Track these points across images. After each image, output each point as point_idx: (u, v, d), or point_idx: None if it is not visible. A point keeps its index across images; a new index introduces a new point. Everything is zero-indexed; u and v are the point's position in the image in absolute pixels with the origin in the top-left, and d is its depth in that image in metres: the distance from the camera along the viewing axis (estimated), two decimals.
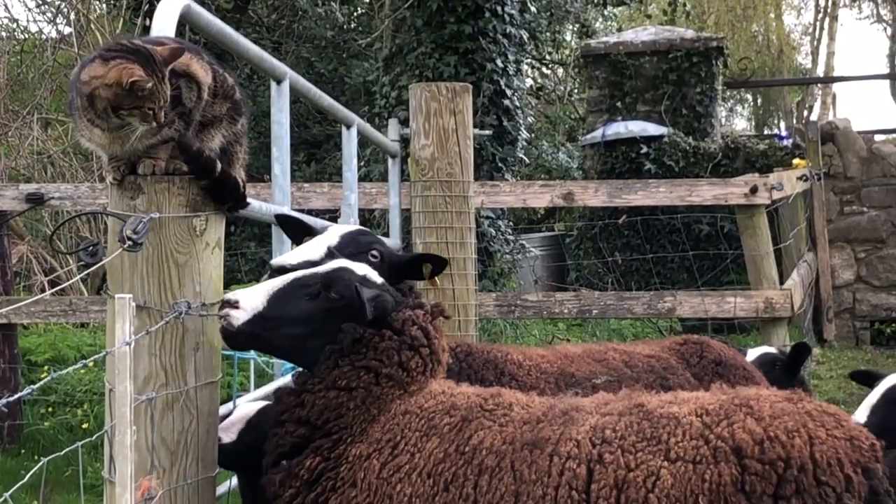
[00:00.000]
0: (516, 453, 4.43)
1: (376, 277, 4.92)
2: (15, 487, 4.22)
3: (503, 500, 4.35)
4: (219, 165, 4.79)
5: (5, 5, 39.08)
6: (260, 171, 6.30)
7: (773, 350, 8.20)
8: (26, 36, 23.61)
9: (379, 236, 5.98)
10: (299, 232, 5.21)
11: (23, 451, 12.27)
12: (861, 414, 5.79)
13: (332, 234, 5.73)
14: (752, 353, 7.55)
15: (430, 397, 4.78)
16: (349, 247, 5.60)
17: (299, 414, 4.69)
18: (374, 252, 5.65)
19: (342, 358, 4.68)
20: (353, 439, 4.66)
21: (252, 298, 4.58)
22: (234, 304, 4.56)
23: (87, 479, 10.03)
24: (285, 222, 5.17)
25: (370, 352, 4.71)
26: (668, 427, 4.32)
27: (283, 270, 5.28)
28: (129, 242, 4.53)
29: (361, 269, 4.92)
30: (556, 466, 4.33)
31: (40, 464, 4.19)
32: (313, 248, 5.58)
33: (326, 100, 7.96)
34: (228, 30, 6.01)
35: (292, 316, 4.65)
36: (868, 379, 6.01)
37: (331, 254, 5.52)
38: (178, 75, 4.68)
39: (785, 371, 7.54)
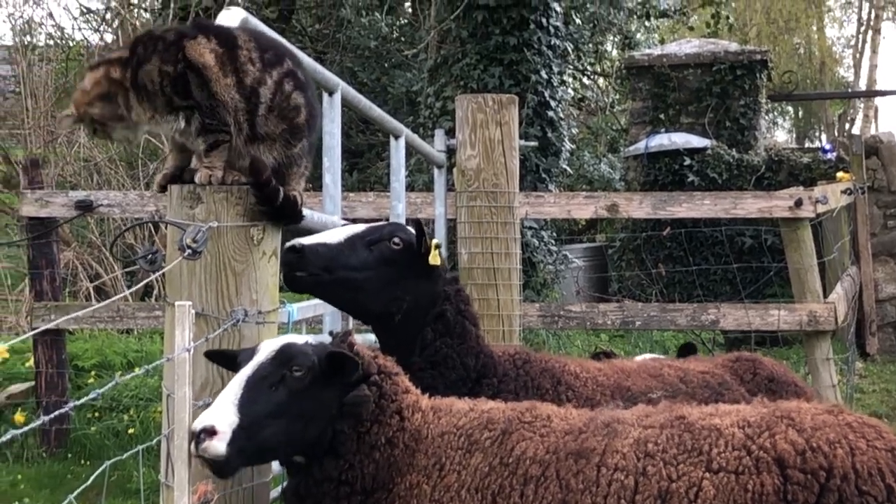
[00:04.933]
0: (561, 462, 4.48)
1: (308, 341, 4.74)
2: (76, 492, 4.27)
3: None
4: (280, 194, 4.81)
5: (51, 14, 39.15)
6: (309, 179, 6.31)
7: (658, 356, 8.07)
8: (72, 44, 23.68)
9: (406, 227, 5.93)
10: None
11: (69, 455, 12.30)
12: None
13: (361, 226, 5.74)
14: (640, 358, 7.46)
15: (461, 415, 4.80)
16: (369, 234, 5.62)
17: (350, 491, 4.62)
18: (396, 240, 5.62)
19: (365, 426, 4.62)
20: (401, 475, 4.64)
21: (223, 417, 4.32)
22: (210, 433, 4.27)
23: (133, 483, 10.12)
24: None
25: (383, 410, 4.68)
26: (709, 438, 4.37)
27: (294, 250, 5.40)
28: (189, 251, 4.57)
29: (303, 339, 4.76)
30: (604, 477, 4.39)
31: (102, 467, 4.27)
32: (334, 234, 5.62)
33: (376, 111, 7.99)
34: (283, 41, 6.07)
35: (267, 412, 4.44)
36: None
37: (351, 239, 5.55)
38: (189, 67, 4.77)
39: None
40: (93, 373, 13.97)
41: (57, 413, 9.95)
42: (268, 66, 4.90)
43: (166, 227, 4.90)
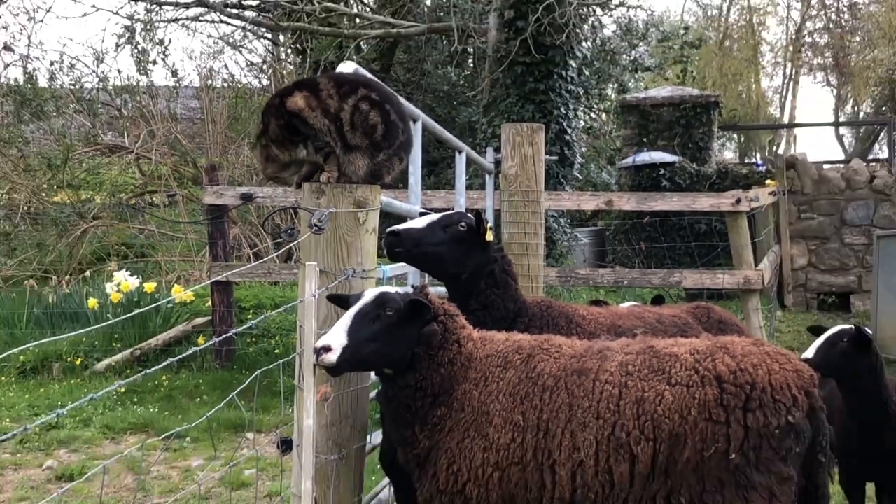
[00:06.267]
0: (568, 377, 4.49)
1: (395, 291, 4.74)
2: (235, 393, 4.31)
3: (560, 409, 4.41)
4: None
5: (226, 66, 39.47)
6: (400, 180, 6.46)
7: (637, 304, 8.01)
8: (239, 86, 23.83)
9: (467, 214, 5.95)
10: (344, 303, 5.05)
11: (234, 367, 12.41)
12: (810, 352, 5.79)
13: (437, 215, 5.72)
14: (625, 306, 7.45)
15: (500, 343, 4.78)
16: (444, 220, 5.59)
17: (423, 395, 4.63)
18: (463, 224, 5.60)
19: (434, 350, 4.63)
20: (458, 385, 4.65)
21: (337, 339, 4.38)
22: (327, 349, 4.35)
23: (277, 387, 10.20)
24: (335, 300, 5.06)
25: (447, 340, 4.67)
26: (670, 362, 4.39)
27: (394, 234, 5.41)
28: (315, 228, 4.66)
29: (394, 289, 4.77)
30: (597, 388, 4.40)
31: (254, 374, 4.33)
32: (421, 221, 5.60)
33: (446, 134, 7.96)
34: (383, 85, 6.08)
35: (366, 337, 4.46)
36: (818, 330, 6.00)
37: (432, 224, 5.57)
38: (290, 115, 4.92)
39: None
40: (251, 312, 14.12)
41: (224, 336, 10.04)
42: (344, 97, 4.94)
43: (300, 212, 4.93)
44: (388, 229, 5.48)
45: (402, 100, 6.11)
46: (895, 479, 6.18)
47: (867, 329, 5.91)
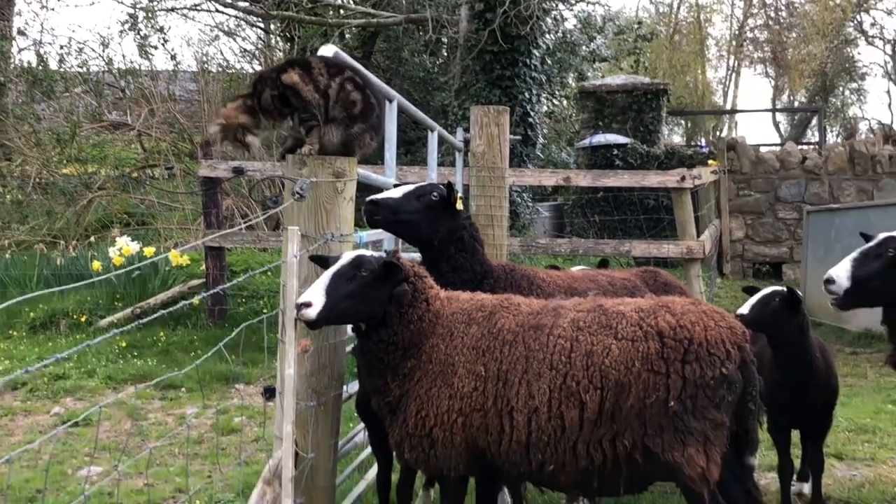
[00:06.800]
0: (525, 332, 4.52)
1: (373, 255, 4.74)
2: (222, 343, 4.31)
3: (518, 361, 4.45)
4: None
5: (221, 52, 39.18)
6: (378, 157, 6.45)
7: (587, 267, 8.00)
8: (232, 71, 23.75)
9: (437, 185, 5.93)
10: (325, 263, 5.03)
11: (226, 325, 12.39)
12: (744, 308, 5.80)
13: (412, 185, 5.71)
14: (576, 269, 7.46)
15: (465, 302, 4.79)
16: (419, 191, 5.57)
17: (395, 348, 4.63)
18: (435, 194, 5.57)
19: (405, 308, 4.62)
20: (426, 339, 4.65)
21: (316, 296, 4.37)
22: (307, 305, 4.34)
23: (262, 342, 10.21)
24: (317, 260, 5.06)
25: (416, 299, 4.67)
26: (616, 318, 4.42)
27: (373, 203, 5.40)
28: (297, 196, 4.66)
29: (369, 252, 4.76)
30: (551, 342, 4.43)
31: (239, 328, 4.33)
32: (397, 192, 5.58)
33: (419, 114, 7.93)
34: (362, 69, 6.06)
35: (343, 295, 4.45)
36: (752, 290, 6.01)
37: (407, 194, 5.55)
38: (286, 87, 4.90)
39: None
40: (241, 275, 14.06)
41: (212, 292, 9.94)
42: (332, 76, 4.95)
43: (285, 181, 4.92)
44: (367, 198, 5.47)
45: (377, 80, 6.10)
46: (818, 427, 6.25)
47: (798, 291, 5.95)
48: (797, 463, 6.53)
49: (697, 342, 4.25)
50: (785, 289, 5.90)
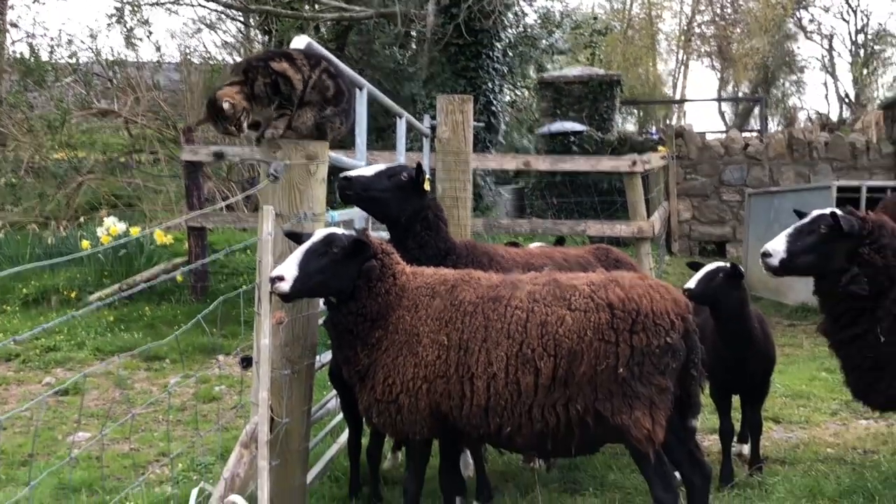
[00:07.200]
0: (485, 304, 4.53)
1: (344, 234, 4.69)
2: (199, 316, 4.29)
3: (478, 331, 4.47)
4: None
5: (204, 44, 38.83)
6: (350, 143, 6.43)
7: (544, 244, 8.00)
8: (214, 61, 23.61)
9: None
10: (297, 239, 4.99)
11: (207, 300, 12.28)
12: (691, 282, 5.82)
13: (384, 165, 5.67)
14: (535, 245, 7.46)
15: (429, 277, 4.79)
16: (390, 171, 5.53)
17: (363, 320, 4.62)
18: (405, 174, 5.52)
19: (373, 282, 4.61)
20: (393, 311, 4.64)
21: (289, 270, 4.35)
22: (281, 279, 4.33)
23: (239, 315, 10.17)
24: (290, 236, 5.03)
25: (383, 273, 4.66)
26: (570, 291, 4.44)
27: (347, 179, 5.36)
28: (272, 177, 4.66)
29: (340, 231, 4.72)
30: (509, 313, 4.45)
31: (216, 301, 4.29)
32: (370, 170, 5.54)
33: (387, 101, 7.91)
34: (334, 58, 6.01)
35: (315, 270, 4.43)
36: (697, 266, 6.02)
37: (379, 173, 5.50)
38: (277, 75, 4.81)
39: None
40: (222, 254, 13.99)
41: (191, 266, 9.87)
42: (312, 67, 4.91)
43: (261, 163, 4.88)
44: (341, 174, 5.43)
45: (349, 70, 6.06)
46: (756, 393, 6.30)
47: (740, 267, 5.98)
48: (737, 426, 6.57)
49: (644, 313, 4.27)
50: (728, 265, 5.93)
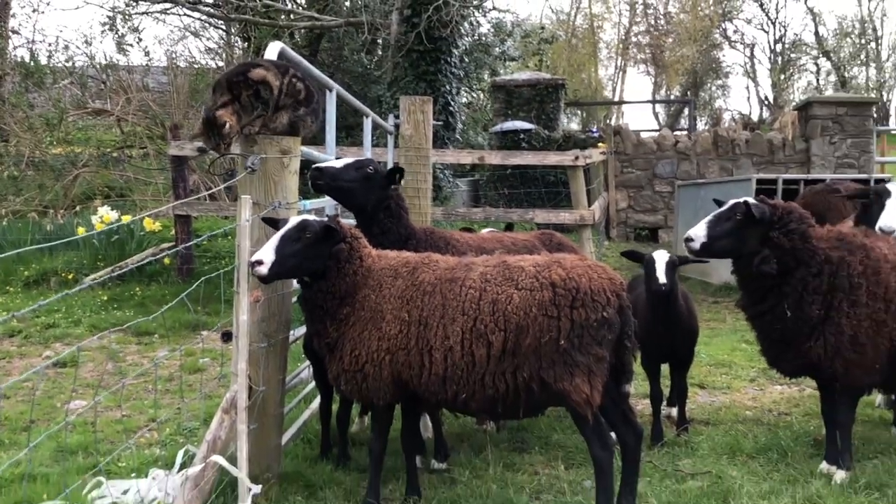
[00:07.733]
0: (443, 284, 4.53)
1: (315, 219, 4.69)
2: (183, 294, 4.26)
3: (436, 308, 4.48)
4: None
5: (188, 49, 38.44)
6: (319, 140, 6.41)
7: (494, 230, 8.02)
8: (198, 65, 23.41)
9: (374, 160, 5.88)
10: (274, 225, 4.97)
11: (193, 282, 12.10)
12: (662, 279, 5.71)
13: (352, 158, 5.62)
14: (485, 231, 7.45)
15: (392, 259, 4.79)
16: (357, 163, 5.50)
17: (333, 297, 4.61)
18: (371, 167, 5.50)
19: (342, 264, 4.61)
20: (359, 290, 4.64)
21: (267, 255, 4.35)
22: (259, 263, 4.34)
23: (220, 294, 10.13)
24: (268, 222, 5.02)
25: (352, 256, 4.65)
26: (517, 272, 4.45)
27: (318, 170, 5.33)
28: (250, 169, 4.65)
29: (312, 217, 4.72)
30: (463, 292, 4.46)
31: (199, 281, 4.28)
32: (339, 162, 5.51)
33: (355, 101, 7.90)
34: (305, 62, 5.98)
35: (290, 254, 4.43)
36: (632, 255, 6.02)
37: (347, 165, 5.46)
38: (257, 83, 4.75)
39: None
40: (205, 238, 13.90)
41: (176, 250, 9.77)
42: (282, 74, 4.86)
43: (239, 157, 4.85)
44: (313, 166, 5.41)
45: (319, 73, 6.04)
46: (683, 361, 6.36)
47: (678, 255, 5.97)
48: (666, 391, 6.64)
49: (583, 291, 4.29)
50: (676, 257, 5.91)
